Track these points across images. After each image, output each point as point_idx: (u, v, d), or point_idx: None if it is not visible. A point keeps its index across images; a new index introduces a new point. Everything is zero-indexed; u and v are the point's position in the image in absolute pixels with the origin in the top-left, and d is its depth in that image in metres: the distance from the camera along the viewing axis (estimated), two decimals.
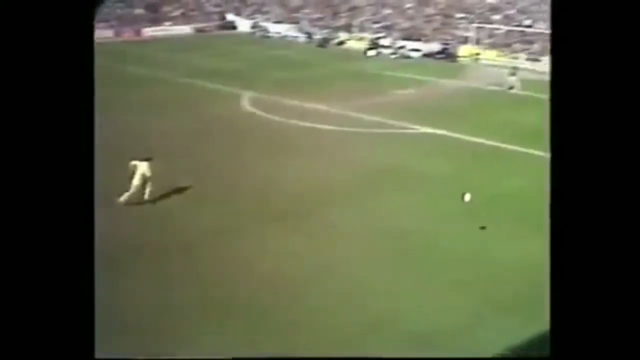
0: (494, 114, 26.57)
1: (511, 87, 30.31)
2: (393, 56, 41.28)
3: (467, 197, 15.01)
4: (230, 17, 56.52)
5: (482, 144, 22.32)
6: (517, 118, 25.72)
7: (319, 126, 24.13)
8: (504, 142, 22.28)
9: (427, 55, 40.45)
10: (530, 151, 21.34)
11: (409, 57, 40.75)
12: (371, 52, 42.00)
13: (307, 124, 24.35)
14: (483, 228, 14.53)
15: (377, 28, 46.52)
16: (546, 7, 40.83)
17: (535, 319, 10.75)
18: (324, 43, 46.33)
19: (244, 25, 55.24)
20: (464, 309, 11.11)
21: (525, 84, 31.11)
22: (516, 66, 33.31)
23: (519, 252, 13.48)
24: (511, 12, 42.19)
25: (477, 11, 43.53)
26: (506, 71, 32.36)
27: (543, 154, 21.01)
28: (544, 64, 35.09)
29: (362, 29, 47.19)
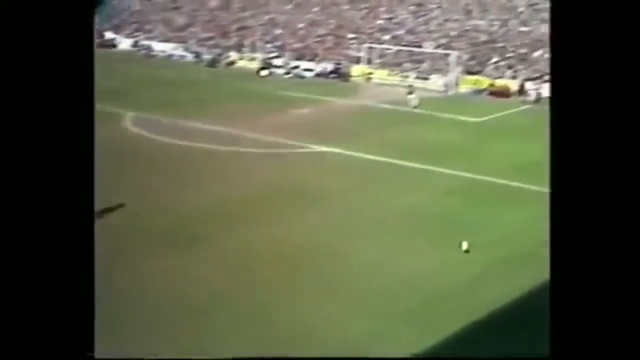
0: (389, 131, 27.78)
1: (416, 106, 32.03)
2: (287, 76, 42.04)
3: (465, 245, 15.30)
4: (108, 35, 54.50)
5: (378, 162, 23.22)
6: (411, 135, 27.10)
7: (213, 147, 23.81)
8: (399, 158, 23.35)
9: (321, 75, 41.67)
10: (426, 167, 22.58)
11: (302, 76, 41.71)
12: (264, 72, 42.48)
13: (201, 145, 23.94)
14: (467, 252, 14.98)
15: (269, 48, 47.19)
16: (433, 27, 43.83)
17: (436, 329, 11.31)
18: (213, 63, 46.11)
19: (124, 43, 53.51)
20: (366, 322, 11.43)
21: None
22: (411, 84, 35.43)
23: (417, 266, 14.17)
24: (400, 32, 44.79)
25: (368, 32, 45.71)
26: (405, 90, 34.20)
27: (438, 169, 22.39)
28: (433, 82, 37.56)
29: (253, 48, 47.59)
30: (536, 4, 41.91)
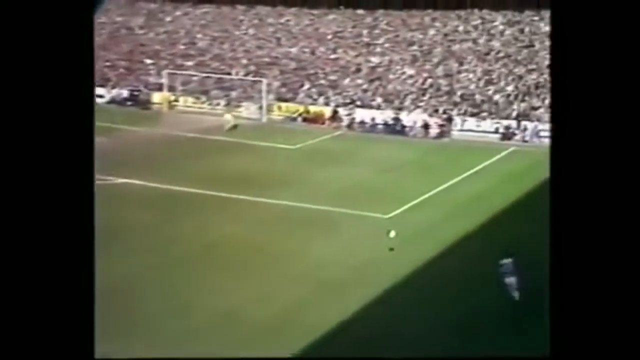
0: (197, 161, 27.36)
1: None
2: None
3: (392, 233, 17.09)
4: None
5: (185, 193, 22.68)
6: (222, 164, 26.91)
7: None
8: (209, 189, 22.99)
9: (114, 101, 40.05)
10: (239, 196, 22.36)
11: None
12: None
13: None
14: (392, 249, 16.83)
15: None
16: (240, 55, 44.55)
17: None
18: None
19: None
20: None
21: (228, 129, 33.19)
22: (229, 110, 36.41)
23: (231, 300, 14.36)
24: (204, 58, 44.69)
25: (168, 57, 44.82)
26: (214, 118, 34.88)
27: (251, 198, 22.25)
28: (245, 109, 38.03)
29: None
30: (341, 31, 45.14)
